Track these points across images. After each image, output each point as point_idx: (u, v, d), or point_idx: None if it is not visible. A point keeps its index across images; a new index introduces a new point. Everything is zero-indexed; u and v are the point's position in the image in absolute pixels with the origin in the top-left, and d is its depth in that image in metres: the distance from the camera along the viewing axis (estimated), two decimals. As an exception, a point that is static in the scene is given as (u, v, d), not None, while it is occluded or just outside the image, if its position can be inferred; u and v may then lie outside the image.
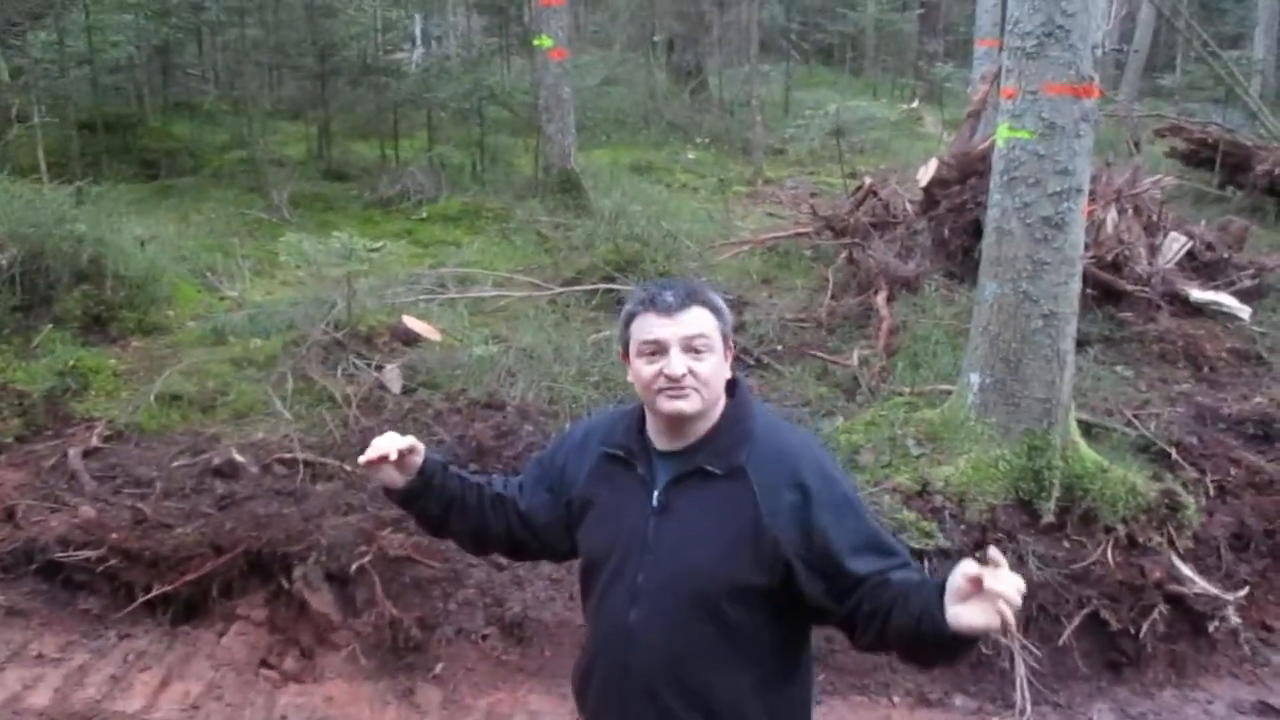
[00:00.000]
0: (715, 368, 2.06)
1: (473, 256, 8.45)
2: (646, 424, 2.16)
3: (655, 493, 2.09)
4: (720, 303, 2.13)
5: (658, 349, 2.05)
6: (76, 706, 3.95)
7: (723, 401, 2.12)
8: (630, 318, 2.12)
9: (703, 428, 2.10)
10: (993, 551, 1.78)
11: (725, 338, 2.10)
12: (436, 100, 11.53)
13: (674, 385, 2.02)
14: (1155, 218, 7.59)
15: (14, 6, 10.46)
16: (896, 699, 4.28)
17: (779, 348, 6.68)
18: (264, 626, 4.41)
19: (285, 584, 4.42)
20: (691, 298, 2.07)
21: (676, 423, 2.08)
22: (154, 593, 4.40)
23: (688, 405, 2.04)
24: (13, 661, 4.18)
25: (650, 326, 2.06)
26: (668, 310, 2.05)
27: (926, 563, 4.50)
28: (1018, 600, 1.71)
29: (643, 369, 2.07)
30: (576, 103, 11.22)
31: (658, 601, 2.06)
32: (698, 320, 2.06)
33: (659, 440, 2.14)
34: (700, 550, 2.05)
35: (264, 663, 4.29)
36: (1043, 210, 4.72)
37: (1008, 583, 1.72)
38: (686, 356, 2.03)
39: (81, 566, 4.48)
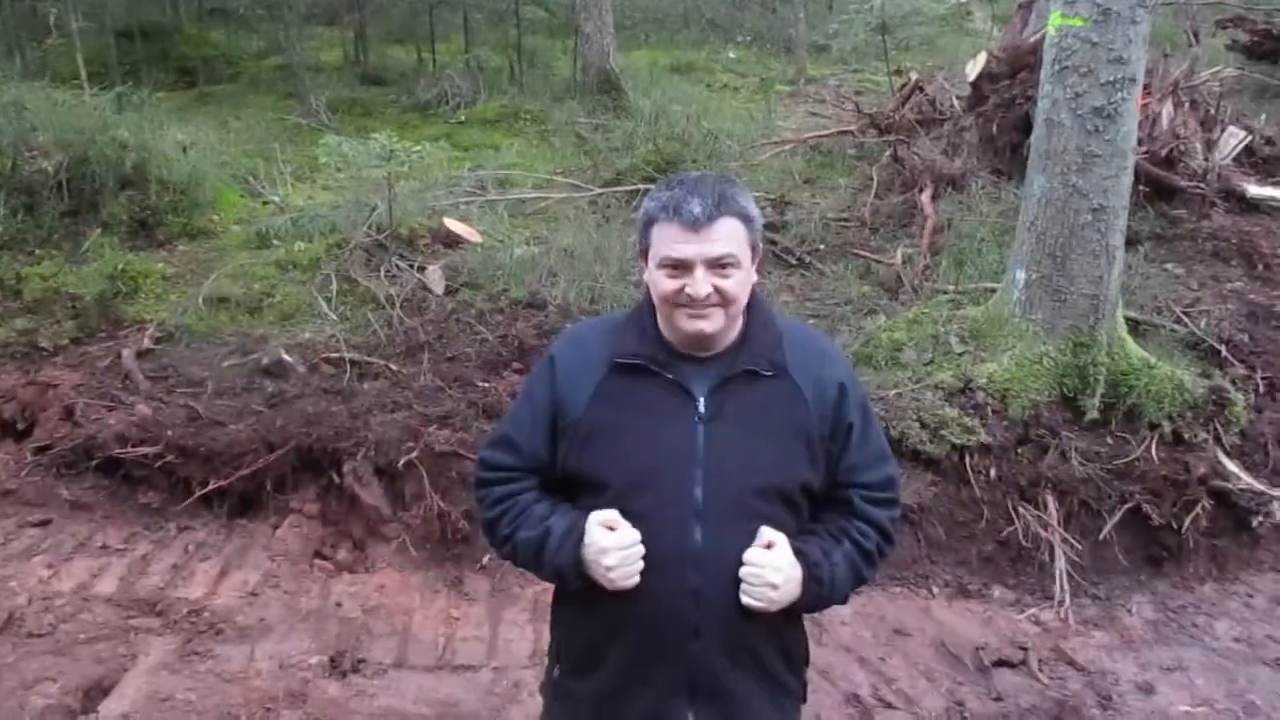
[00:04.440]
0: (741, 283, 1.89)
1: (512, 159, 8.40)
2: (661, 329, 1.97)
3: (700, 399, 1.92)
4: (751, 208, 1.92)
5: (680, 266, 1.86)
6: (141, 593, 4.11)
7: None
8: (651, 221, 1.92)
9: (730, 334, 1.96)
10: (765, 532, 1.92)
11: (754, 247, 1.92)
12: (472, 2, 11.34)
13: (695, 304, 1.86)
14: (1213, 111, 7.34)
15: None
16: (935, 590, 4.33)
17: (821, 247, 6.63)
18: (316, 519, 4.54)
19: (336, 479, 4.53)
20: (721, 207, 1.85)
21: (697, 338, 1.92)
22: (210, 487, 4.53)
23: (709, 325, 1.88)
24: (80, 552, 4.35)
25: (673, 240, 1.86)
26: (694, 224, 1.84)
27: (968, 458, 4.51)
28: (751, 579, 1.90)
29: (662, 281, 1.88)
30: (615, 1, 10.98)
31: (724, 516, 1.90)
32: (726, 235, 1.86)
33: (682, 345, 1.95)
34: (763, 453, 1.92)
35: (318, 554, 4.42)
36: (1094, 100, 4.58)
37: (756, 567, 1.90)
38: (712, 274, 1.85)
39: (140, 463, 4.61)
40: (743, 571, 1.89)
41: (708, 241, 1.84)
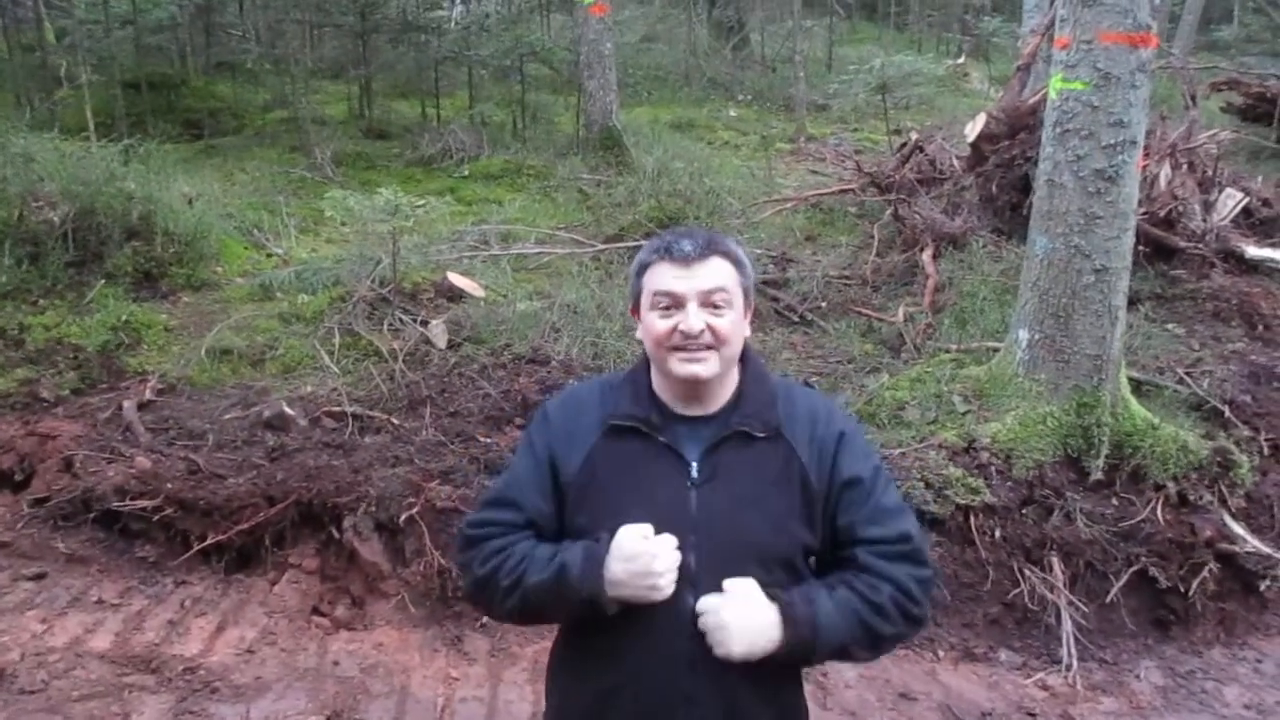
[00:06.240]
0: (734, 324, 1.88)
1: (515, 214, 8.45)
2: (655, 388, 1.96)
3: (693, 463, 1.89)
4: (742, 255, 1.95)
5: (673, 302, 1.86)
6: (136, 650, 4.05)
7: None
8: (643, 268, 1.93)
9: (725, 390, 1.93)
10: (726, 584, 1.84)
11: (746, 293, 1.92)
12: (477, 58, 11.50)
13: (690, 344, 1.85)
14: (1210, 173, 7.41)
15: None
16: (941, 653, 4.28)
17: (823, 305, 6.65)
18: (315, 575, 4.49)
19: (335, 534, 4.49)
20: (711, 247, 1.88)
21: (692, 387, 1.89)
22: (208, 541, 4.49)
23: (704, 369, 1.86)
24: (74, 606, 4.29)
25: (665, 277, 1.87)
26: (685, 260, 1.86)
27: (973, 519, 4.48)
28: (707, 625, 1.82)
29: (655, 323, 1.87)
30: (617, 60, 11.14)
31: (718, 581, 1.84)
32: (717, 273, 1.87)
33: (676, 405, 1.93)
34: (757, 518, 1.87)
35: (315, 610, 4.37)
36: (1096, 163, 4.63)
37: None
38: (705, 312, 1.85)
39: (138, 516, 4.57)
40: (700, 622, 1.82)
41: (700, 276, 1.87)
